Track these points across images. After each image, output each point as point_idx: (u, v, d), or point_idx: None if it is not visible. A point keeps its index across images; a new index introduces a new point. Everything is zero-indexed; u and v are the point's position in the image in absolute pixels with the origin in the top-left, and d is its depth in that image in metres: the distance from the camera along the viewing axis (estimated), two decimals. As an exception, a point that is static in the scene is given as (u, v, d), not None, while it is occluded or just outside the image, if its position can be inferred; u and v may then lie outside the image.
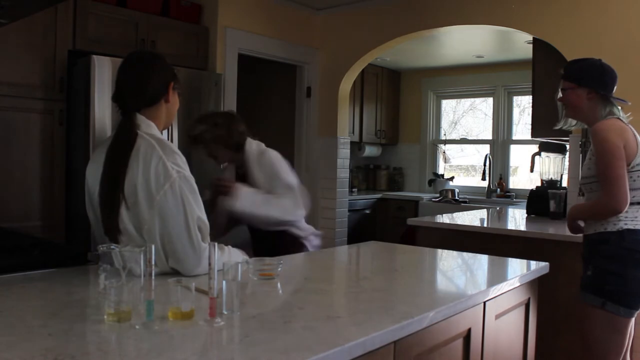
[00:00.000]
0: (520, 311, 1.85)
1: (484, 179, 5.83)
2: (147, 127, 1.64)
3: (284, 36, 4.48)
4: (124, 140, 1.60)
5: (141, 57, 1.76)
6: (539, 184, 3.78)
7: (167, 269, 1.56)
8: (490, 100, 6.22)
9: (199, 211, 1.58)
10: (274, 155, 2.54)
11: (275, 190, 2.44)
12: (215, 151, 2.55)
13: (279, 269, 1.61)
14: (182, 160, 1.61)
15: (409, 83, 6.55)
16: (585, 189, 2.26)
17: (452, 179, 6.21)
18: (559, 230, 3.00)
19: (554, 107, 3.62)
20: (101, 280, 1.34)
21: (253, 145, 2.56)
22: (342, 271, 1.90)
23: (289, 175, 2.50)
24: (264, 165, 2.49)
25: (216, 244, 1.22)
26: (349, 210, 4.97)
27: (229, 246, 1.76)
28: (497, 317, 1.66)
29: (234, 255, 1.72)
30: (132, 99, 1.66)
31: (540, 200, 3.54)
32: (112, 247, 1.38)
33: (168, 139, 3.42)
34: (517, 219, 3.59)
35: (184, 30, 3.82)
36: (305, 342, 1.08)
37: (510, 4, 3.71)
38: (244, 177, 2.55)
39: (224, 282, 1.21)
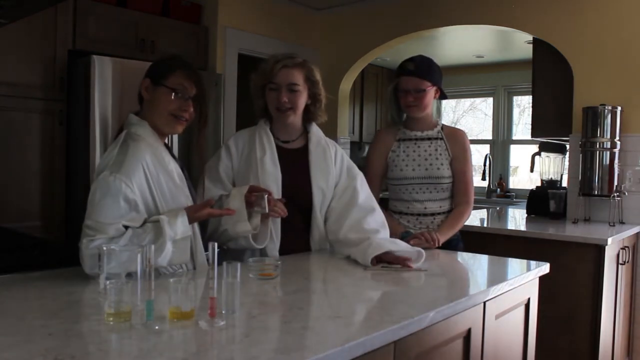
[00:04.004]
0: (520, 311, 1.85)
1: (484, 179, 5.83)
2: (132, 125, 1.68)
3: (284, 36, 4.48)
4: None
5: None
6: (539, 184, 3.78)
7: None
8: (490, 100, 6.22)
9: (96, 214, 1.49)
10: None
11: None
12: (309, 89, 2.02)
13: (279, 269, 1.61)
14: (127, 168, 1.54)
15: (409, 83, 6.54)
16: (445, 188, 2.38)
17: (452, 179, 6.20)
18: (559, 230, 3.00)
19: (554, 107, 3.62)
20: (101, 280, 1.34)
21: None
22: (342, 271, 1.90)
23: None
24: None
25: (215, 244, 1.22)
26: (349, 210, 4.96)
27: (176, 219, 1.55)
28: (497, 317, 1.65)
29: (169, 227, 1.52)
30: None
31: (540, 200, 3.54)
32: (112, 247, 1.39)
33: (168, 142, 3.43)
34: (517, 219, 3.59)
35: (184, 30, 3.82)
36: (305, 342, 1.08)
37: (510, 4, 3.71)
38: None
39: (223, 282, 1.21)
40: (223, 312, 1.20)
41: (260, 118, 2.09)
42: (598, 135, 3.19)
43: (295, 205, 1.97)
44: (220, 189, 1.98)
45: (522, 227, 3.15)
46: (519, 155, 6.00)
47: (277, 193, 1.94)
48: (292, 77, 1.97)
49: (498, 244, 2.91)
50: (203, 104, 1.75)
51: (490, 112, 6.21)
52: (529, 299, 1.87)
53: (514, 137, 6.07)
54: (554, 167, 3.71)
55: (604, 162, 3.19)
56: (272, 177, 1.95)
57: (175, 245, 1.51)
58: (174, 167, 1.70)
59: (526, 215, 3.65)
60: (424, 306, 1.33)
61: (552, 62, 3.57)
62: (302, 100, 2.00)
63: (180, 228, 1.53)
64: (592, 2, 3.41)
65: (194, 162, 3.60)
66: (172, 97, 1.67)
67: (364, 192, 2.07)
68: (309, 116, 2.07)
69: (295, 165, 2.03)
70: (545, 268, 1.96)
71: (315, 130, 2.10)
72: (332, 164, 2.05)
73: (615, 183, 3.20)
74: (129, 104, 1.78)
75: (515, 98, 6.09)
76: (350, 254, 1.92)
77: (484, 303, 1.56)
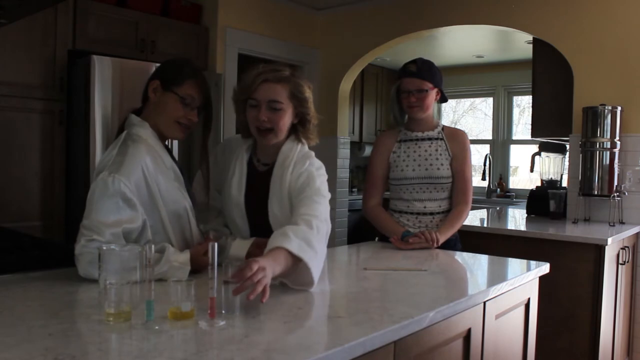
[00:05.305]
0: (520, 311, 1.85)
1: (484, 179, 5.83)
2: (133, 125, 1.67)
3: (284, 36, 4.48)
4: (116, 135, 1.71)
5: None
6: (539, 184, 3.78)
7: None
8: (490, 100, 6.22)
9: (95, 214, 1.49)
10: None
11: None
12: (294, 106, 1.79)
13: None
14: (126, 169, 1.54)
15: (409, 83, 6.54)
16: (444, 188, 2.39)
17: (452, 179, 6.21)
18: (559, 230, 3.00)
19: (554, 107, 3.62)
20: (101, 280, 1.34)
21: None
22: (342, 271, 1.90)
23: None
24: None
25: (216, 244, 1.22)
26: (349, 210, 4.97)
27: (175, 255, 1.55)
28: (497, 317, 1.66)
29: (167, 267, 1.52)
30: None
31: (540, 200, 3.54)
32: (112, 247, 1.39)
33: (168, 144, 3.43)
34: (517, 219, 3.59)
35: (184, 30, 3.82)
36: (305, 342, 1.08)
37: (510, 4, 3.71)
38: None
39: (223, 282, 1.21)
40: (223, 312, 1.20)
41: (242, 136, 1.90)
42: (598, 135, 3.20)
43: (262, 230, 1.80)
44: (219, 202, 1.94)
45: (522, 227, 3.15)
46: (519, 155, 6.00)
47: (240, 218, 1.84)
48: (274, 93, 1.75)
49: (498, 244, 2.91)
50: (208, 112, 1.76)
51: (490, 112, 6.21)
52: (529, 299, 1.87)
53: (514, 137, 6.07)
54: (554, 167, 3.71)
55: (604, 162, 3.19)
56: (234, 203, 1.84)
57: (170, 268, 1.51)
58: (173, 169, 1.70)
59: (526, 215, 3.65)
60: (424, 306, 1.33)
61: (552, 62, 3.58)
62: (286, 119, 1.78)
63: (181, 258, 1.54)
64: (592, 2, 3.41)
65: (194, 165, 3.60)
66: (180, 106, 1.67)
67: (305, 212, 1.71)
68: (298, 137, 1.85)
69: (261, 189, 1.85)
70: (545, 268, 1.96)
71: (285, 149, 1.83)
72: (286, 185, 1.80)
73: (615, 183, 3.20)
74: (129, 104, 1.78)
75: (515, 98, 6.09)
76: None
77: (484, 303, 1.57)
